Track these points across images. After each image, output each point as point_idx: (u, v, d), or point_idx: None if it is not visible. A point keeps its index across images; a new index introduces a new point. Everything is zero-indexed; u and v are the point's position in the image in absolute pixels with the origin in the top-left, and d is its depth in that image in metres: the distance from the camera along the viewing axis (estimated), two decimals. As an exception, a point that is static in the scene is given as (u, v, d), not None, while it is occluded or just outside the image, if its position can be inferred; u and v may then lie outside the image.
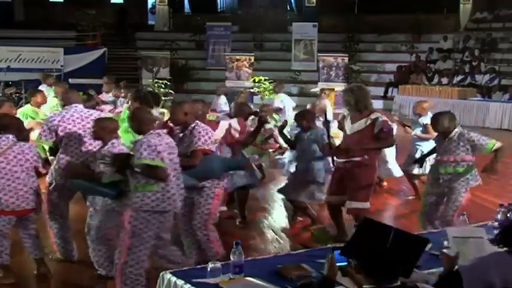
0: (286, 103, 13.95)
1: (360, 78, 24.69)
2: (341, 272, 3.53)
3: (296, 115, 8.03)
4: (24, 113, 8.84)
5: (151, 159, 5.22)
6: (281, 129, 7.96)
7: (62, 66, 22.33)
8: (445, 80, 22.27)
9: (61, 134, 6.41)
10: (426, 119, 9.08)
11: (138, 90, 11.61)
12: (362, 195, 6.85)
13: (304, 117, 7.74)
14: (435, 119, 6.84)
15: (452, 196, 6.58)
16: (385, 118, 6.84)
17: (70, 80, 20.01)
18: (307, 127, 7.65)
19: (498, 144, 6.51)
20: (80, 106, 6.71)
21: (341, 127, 7.11)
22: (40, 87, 11.45)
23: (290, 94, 21.78)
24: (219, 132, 7.34)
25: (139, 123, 5.53)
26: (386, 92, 23.42)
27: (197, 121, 6.02)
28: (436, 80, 22.72)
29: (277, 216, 8.67)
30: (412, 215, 8.42)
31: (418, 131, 9.41)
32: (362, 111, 6.81)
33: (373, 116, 6.76)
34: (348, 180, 6.89)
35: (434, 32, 25.72)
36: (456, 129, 6.64)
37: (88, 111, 6.74)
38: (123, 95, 12.16)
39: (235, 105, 8.75)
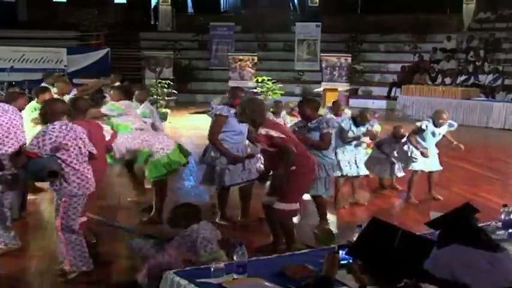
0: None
1: (363, 78, 24.72)
2: (346, 269, 3.53)
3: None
4: (32, 107, 8.88)
5: (31, 147, 5.53)
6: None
7: (65, 66, 22.34)
8: (448, 80, 22.24)
9: None
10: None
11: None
12: (289, 196, 6.54)
13: (308, 107, 7.64)
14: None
15: None
16: (270, 133, 6.29)
17: (73, 80, 20.03)
18: (310, 117, 7.58)
19: None
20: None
21: None
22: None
23: (293, 94, 21.87)
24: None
25: (51, 114, 5.75)
26: (389, 92, 23.41)
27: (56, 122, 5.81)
28: (439, 80, 22.70)
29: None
30: (418, 215, 8.42)
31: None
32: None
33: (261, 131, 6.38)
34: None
35: (438, 32, 25.70)
36: None
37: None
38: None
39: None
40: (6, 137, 6.46)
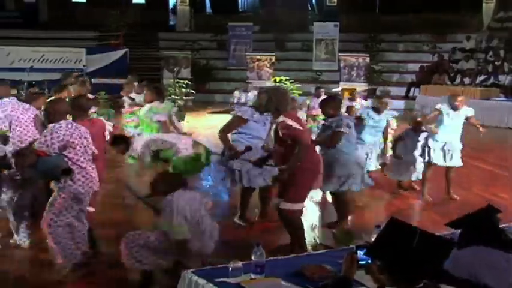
0: None
1: (382, 78, 24.62)
2: (364, 269, 3.52)
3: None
4: None
5: (39, 146, 5.57)
6: None
7: (84, 66, 22.50)
8: (467, 80, 22.11)
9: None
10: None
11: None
12: (293, 195, 6.48)
13: (329, 105, 7.69)
14: None
15: None
16: (288, 123, 6.25)
17: (92, 80, 20.16)
18: (332, 115, 7.62)
19: None
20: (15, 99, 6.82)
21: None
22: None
23: (311, 94, 21.84)
24: None
25: (55, 113, 5.80)
26: (408, 92, 23.32)
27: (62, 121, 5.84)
28: (458, 80, 22.57)
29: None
30: (435, 216, 8.38)
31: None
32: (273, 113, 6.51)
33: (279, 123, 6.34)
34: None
35: (457, 32, 25.55)
36: None
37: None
38: (138, 91, 12.37)
39: None
40: (25, 134, 6.55)
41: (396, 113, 9.69)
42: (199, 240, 5.43)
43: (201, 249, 5.47)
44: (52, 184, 5.77)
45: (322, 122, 8.10)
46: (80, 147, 5.76)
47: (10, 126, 6.48)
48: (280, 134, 6.30)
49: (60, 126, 5.66)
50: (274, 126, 6.43)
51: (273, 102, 6.39)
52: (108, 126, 7.05)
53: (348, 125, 7.54)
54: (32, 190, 6.72)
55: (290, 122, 6.25)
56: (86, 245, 6.09)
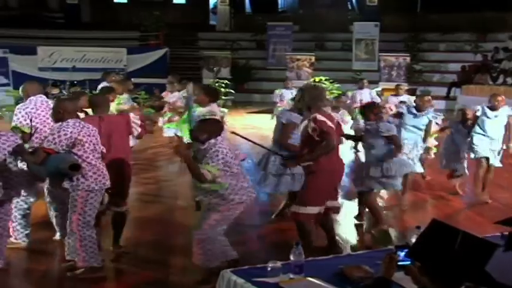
0: None
1: (422, 78, 24.36)
2: (404, 270, 3.49)
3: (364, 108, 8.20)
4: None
5: (48, 144, 5.63)
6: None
7: (125, 65, 22.75)
8: (510, 80, 21.69)
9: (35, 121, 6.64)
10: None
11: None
12: (304, 198, 6.36)
13: (371, 110, 7.84)
14: None
15: None
16: (320, 118, 6.19)
17: (133, 79, 20.38)
18: (373, 120, 7.72)
19: None
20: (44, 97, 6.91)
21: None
22: (102, 85, 11.70)
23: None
24: None
25: (63, 112, 5.85)
26: (448, 92, 23.03)
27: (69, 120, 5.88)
28: (500, 80, 22.18)
29: (338, 216, 8.63)
30: (478, 217, 8.28)
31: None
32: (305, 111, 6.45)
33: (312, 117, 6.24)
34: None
35: (500, 31, 25.12)
36: None
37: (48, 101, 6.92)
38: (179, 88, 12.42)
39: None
40: (44, 131, 6.62)
41: (439, 116, 9.53)
42: (238, 189, 5.59)
43: (240, 198, 5.62)
44: (65, 183, 5.82)
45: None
46: (89, 145, 5.82)
47: (31, 124, 6.58)
48: (310, 130, 6.20)
49: (68, 124, 5.73)
50: (304, 123, 6.35)
51: (304, 99, 6.35)
52: (134, 119, 6.99)
53: (388, 131, 7.57)
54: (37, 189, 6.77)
55: (322, 118, 6.20)
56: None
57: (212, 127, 5.68)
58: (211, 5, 32.39)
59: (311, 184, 6.28)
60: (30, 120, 6.59)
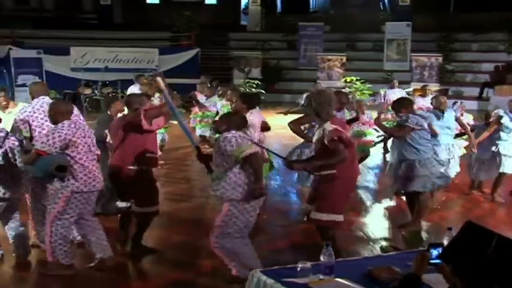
0: None
1: (454, 78, 24.11)
2: (436, 269, 3.46)
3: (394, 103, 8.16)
4: None
5: (42, 146, 5.72)
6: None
7: (156, 66, 22.86)
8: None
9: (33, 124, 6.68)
10: None
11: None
12: (325, 206, 6.13)
13: (402, 104, 7.83)
14: None
15: None
16: (333, 127, 5.95)
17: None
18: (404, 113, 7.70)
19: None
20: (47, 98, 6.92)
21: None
22: (132, 87, 11.81)
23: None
24: None
25: (55, 114, 5.95)
26: (481, 92, 22.78)
27: (65, 121, 5.94)
28: (535, 80, 21.91)
29: (368, 217, 8.60)
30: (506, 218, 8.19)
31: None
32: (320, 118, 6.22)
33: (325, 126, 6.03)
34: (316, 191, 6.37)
35: (534, 31, 24.79)
36: None
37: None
38: (220, 93, 12.45)
39: None
40: (39, 132, 6.67)
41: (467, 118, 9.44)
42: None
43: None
44: (56, 183, 5.88)
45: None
46: (83, 146, 5.89)
47: (30, 127, 6.63)
48: (326, 141, 5.94)
49: (63, 126, 5.82)
50: (318, 132, 6.14)
51: (312, 106, 6.20)
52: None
53: (417, 123, 7.50)
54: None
55: (339, 128, 6.00)
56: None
57: (233, 119, 5.77)
58: (242, 6, 32.45)
59: (329, 190, 6.07)
60: (28, 124, 6.66)
